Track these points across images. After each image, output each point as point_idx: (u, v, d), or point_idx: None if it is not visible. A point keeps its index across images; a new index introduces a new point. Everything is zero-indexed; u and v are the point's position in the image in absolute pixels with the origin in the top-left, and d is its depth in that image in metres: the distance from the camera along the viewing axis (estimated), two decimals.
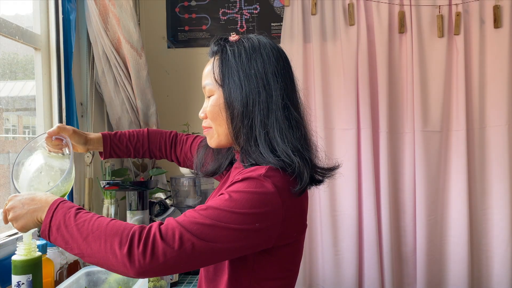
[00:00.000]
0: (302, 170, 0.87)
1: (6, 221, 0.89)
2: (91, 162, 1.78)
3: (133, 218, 1.36)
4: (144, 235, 0.77)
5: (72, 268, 1.39)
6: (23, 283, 1.01)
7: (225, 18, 2.34)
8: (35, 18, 1.63)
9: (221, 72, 0.93)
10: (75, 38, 1.69)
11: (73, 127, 1.14)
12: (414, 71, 2.14)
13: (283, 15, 2.23)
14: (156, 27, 2.37)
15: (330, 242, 2.16)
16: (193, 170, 1.18)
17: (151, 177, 2.05)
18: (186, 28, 2.36)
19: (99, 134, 1.22)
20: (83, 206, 1.75)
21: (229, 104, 0.91)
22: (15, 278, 1.01)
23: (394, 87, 2.19)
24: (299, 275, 1.01)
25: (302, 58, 2.18)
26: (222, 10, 2.34)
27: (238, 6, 2.33)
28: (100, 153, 1.23)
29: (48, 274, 1.17)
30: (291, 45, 2.18)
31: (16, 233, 1.40)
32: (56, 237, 0.81)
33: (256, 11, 2.33)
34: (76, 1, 1.71)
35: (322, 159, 0.97)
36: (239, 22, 2.34)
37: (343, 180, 2.15)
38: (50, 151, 1.07)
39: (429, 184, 2.15)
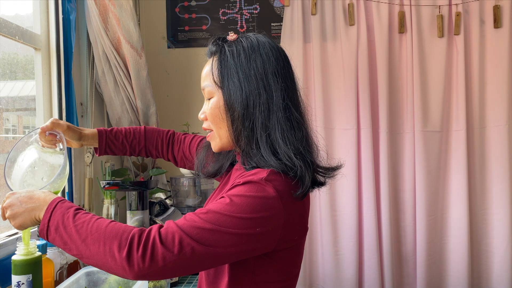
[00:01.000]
0: (304, 174, 0.85)
1: (4, 217, 0.89)
2: (91, 162, 1.78)
3: (133, 218, 1.36)
4: (143, 239, 0.76)
5: (72, 268, 1.39)
6: (23, 283, 1.01)
7: (225, 18, 2.34)
8: (35, 18, 1.63)
9: (220, 74, 0.91)
10: (75, 38, 1.69)
11: (67, 123, 1.13)
12: (414, 71, 2.14)
13: (283, 15, 2.23)
14: (156, 27, 2.37)
15: (330, 242, 2.16)
16: (191, 170, 1.17)
17: (151, 177, 2.05)
18: (186, 28, 2.36)
19: (94, 130, 1.20)
20: (83, 206, 1.75)
21: (229, 106, 0.89)
22: (15, 278, 1.01)
23: (394, 87, 2.19)
24: (299, 275, 1.01)
25: (302, 58, 2.18)
26: (222, 10, 2.34)
27: (238, 6, 2.33)
28: (96, 149, 1.22)
29: (48, 274, 1.17)
30: (291, 45, 2.18)
31: (16, 233, 1.40)
32: (54, 237, 0.81)
33: (256, 11, 2.33)
34: (76, 1, 1.71)
35: (324, 159, 0.96)
36: (239, 22, 2.34)
37: (343, 180, 2.15)
38: (43, 146, 1.06)
39: (429, 184, 2.15)
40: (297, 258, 0.95)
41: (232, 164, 1.06)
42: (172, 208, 1.81)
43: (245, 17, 2.33)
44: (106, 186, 1.49)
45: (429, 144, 2.15)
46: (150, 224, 1.37)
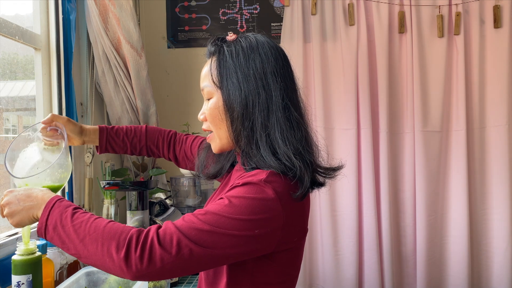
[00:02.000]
0: (303, 174, 0.85)
1: (2, 215, 0.89)
2: (91, 162, 1.78)
3: (133, 218, 1.36)
4: (141, 240, 0.76)
5: (72, 268, 1.39)
6: (23, 283, 1.01)
7: (225, 18, 2.34)
8: (35, 18, 1.63)
9: (219, 74, 0.90)
10: (75, 38, 1.69)
11: (67, 117, 1.13)
12: (414, 71, 2.14)
13: (283, 15, 2.23)
14: (156, 27, 2.37)
15: (330, 242, 2.15)
16: (192, 171, 1.17)
17: (151, 177, 2.05)
18: (186, 28, 2.36)
19: (96, 126, 1.21)
20: (83, 206, 1.75)
21: (228, 107, 0.89)
22: (15, 278, 1.01)
23: (394, 87, 2.19)
24: (299, 275, 1.01)
25: (302, 58, 2.18)
26: (222, 10, 2.34)
27: (238, 6, 2.33)
28: (97, 147, 1.22)
29: (48, 274, 1.17)
30: (291, 45, 2.18)
31: (16, 233, 1.40)
32: (52, 236, 0.81)
33: (256, 11, 2.33)
34: (76, 1, 1.71)
35: (325, 159, 0.96)
36: (239, 22, 2.34)
37: (343, 180, 2.15)
38: (45, 144, 1.05)
39: (429, 184, 2.15)
40: (297, 259, 0.94)
41: (232, 165, 1.06)
42: (172, 208, 1.81)
43: (245, 17, 2.33)
44: (106, 186, 1.49)
45: (429, 144, 2.15)
46: (150, 224, 1.37)
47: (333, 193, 2.17)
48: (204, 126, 0.98)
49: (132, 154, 1.28)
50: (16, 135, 1.03)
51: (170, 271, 0.77)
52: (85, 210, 0.84)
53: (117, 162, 2.09)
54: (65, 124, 1.09)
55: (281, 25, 2.24)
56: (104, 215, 1.78)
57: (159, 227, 0.80)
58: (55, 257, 1.27)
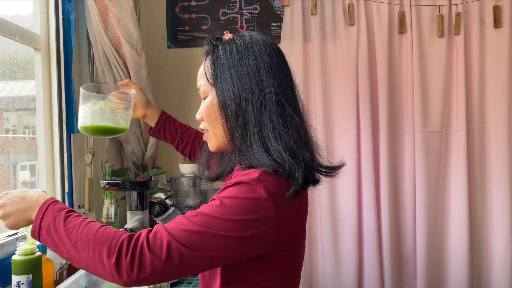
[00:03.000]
0: (294, 170, 0.83)
1: None
2: (91, 162, 1.78)
3: (133, 218, 1.36)
4: (132, 245, 0.76)
5: (72, 268, 1.39)
6: (23, 283, 1.01)
7: (225, 18, 2.34)
8: (35, 18, 1.63)
9: (213, 72, 0.91)
10: (75, 38, 1.69)
11: (139, 86, 1.34)
12: (414, 71, 2.14)
13: (283, 15, 2.23)
14: (156, 27, 2.37)
15: (330, 242, 2.15)
16: (194, 172, 1.17)
17: (151, 177, 2.05)
18: (186, 28, 2.36)
19: (158, 107, 1.37)
20: (83, 206, 1.75)
21: (222, 104, 0.89)
22: (15, 278, 1.01)
23: (394, 87, 2.19)
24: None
25: (302, 58, 2.18)
26: (222, 10, 2.34)
27: (238, 6, 2.33)
28: (150, 128, 1.34)
29: (48, 274, 1.17)
30: (291, 45, 2.18)
31: (16, 233, 1.40)
32: (46, 239, 0.80)
33: (256, 11, 2.33)
34: (76, 1, 1.71)
35: (325, 157, 0.95)
36: (239, 22, 2.34)
37: (343, 180, 2.15)
38: (113, 102, 1.15)
39: (429, 184, 2.15)
40: (295, 261, 0.92)
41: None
42: (172, 208, 1.81)
43: (245, 17, 2.33)
44: (106, 186, 1.49)
45: (429, 144, 2.15)
46: (150, 224, 1.37)
47: (333, 193, 2.17)
48: (201, 126, 0.97)
49: (177, 148, 1.38)
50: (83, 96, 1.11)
51: (161, 276, 0.76)
52: (80, 213, 0.84)
53: (117, 162, 2.09)
54: (138, 90, 1.28)
55: (281, 25, 2.24)
56: (104, 215, 1.78)
57: (150, 231, 0.79)
58: (55, 257, 1.27)
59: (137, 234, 0.78)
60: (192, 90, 2.33)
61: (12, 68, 1.60)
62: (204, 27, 2.36)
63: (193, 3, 2.36)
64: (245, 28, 2.33)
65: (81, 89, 1.10)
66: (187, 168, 1.93)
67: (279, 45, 2.13)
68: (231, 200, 0.79)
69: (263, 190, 0.80)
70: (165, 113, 1.38)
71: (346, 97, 2.15)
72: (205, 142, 1.02)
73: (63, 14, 1.67)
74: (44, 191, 0.90)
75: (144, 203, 1.52)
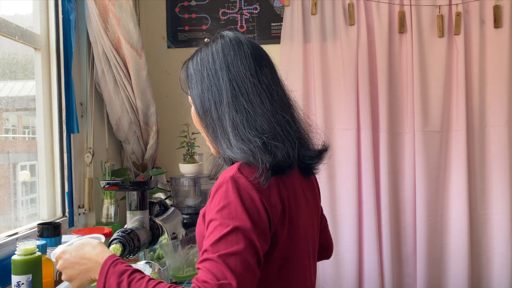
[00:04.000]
0: (254, 157, 0.84)
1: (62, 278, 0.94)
2: (91, 162, 1.78)
3: (133, 218, 1.36)
4: None
5: None
6: (23, 283, 1.01)
7: (225, 18, 2.34)
8: (35, 18, 1.62)
9: (186, 81, 0.97)
10: (75, 38, 1.69)
11: None
12: (414, 71, 2.14)
13: (283, 15, 2.23)
14: (156, 27, 2.37)
15: None
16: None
17: (151, 177, 2.05)
18: (186, 28, 2.36)
19: None
20: (83, 206, 1.75)
21: (196, 109, 0.95)
22: (15, 278, 1.01)
23: (394, 87, 2.19)
24: None
25: (302, 58, 2.18)
26: (222, 10, 2.34)
27: (238, 6, 2.33)
28: None
29: (48, 274, 1.17)
30: (291, 45, 2.18)
31: (16, 233, 1.40)
32: None
33: (256, 11, 2.33)
34: (76, 1, 1.71)
35: (310, 144, 0.96)
36: (239, 22, 2.34)
37: (343, 180, 2.15)
38: None
39: (429, 184, 2.15)
40: (289, 272, 0.90)
41: None
42: (172, 208, 1.81)
43: (245, 17, 2.33)
44: (106, 186, 1.49)
45: (429, 144, 2.15)
46: (150, 224, 1.37)
47: (333, 193, 2.17)
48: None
49: None
50: None
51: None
52: (141, 273, 0.83)
53: (117, 162, 2.09)
54: None
55: (281, 25, 2.24)
56: (104, 215, 1.78)
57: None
58: None
59: None
60: None
61: (12, 68, 1.60)
62: (204, 27, 2.36)
63: (193, 3, 2.36)
64: (245, 28, 2.33)
65: None
66: (187, 168, 1.93)
67: (279, 46, 2.11)
68: (221, 213, 0.80)
69: (230, 184, 0.82)
70: None
71: (346, 97, 2.15)
72: None
73: (63, 14, 1.67)
74: (99, 242, 0.92)
75: (144, 203, 1.52)
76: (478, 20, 2.13)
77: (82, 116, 1.80)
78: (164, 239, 1.43)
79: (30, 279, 1.01)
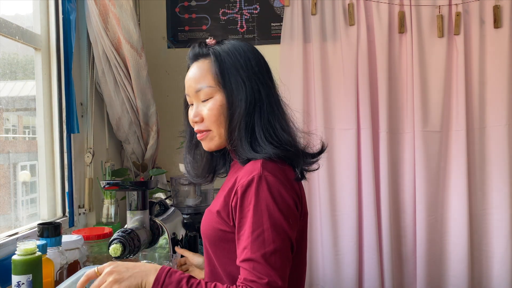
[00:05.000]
0: (296, 157, 0.94)
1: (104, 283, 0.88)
2: (91, 162, 1.78)
3: (133, 218, 1.36)
4: None
5: (72, 268, 1.39)
6: (23, 283, 1.01)
7: (225, 18, 2.34)
8: (35, 18, 1.63)
9: (221, 74, 0.96)
10: (75, 38, 1.69)
11: None
12: (414, 71, 2.14)
13: (283, 15, 2.23)
14: (156, 27, 2.37)
15: (330, 242, 2.15)
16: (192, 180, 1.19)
17: (151, 177, 2.05)
18: (186, 28, 2.36)
19: None
20: (83, 206, 1.75)
21: (230, 104, 0.95)
22: (15, 278, 1.01)
23: (394, 87, 2.19)
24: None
25: (302, 58, 2.18)
26: (222, 10, 2.34)
27: (238, 6, 2.33)
28: None
29: (48, 274, 1.17)
30: (291, 45, 2.18)
31: (16, 233, 1.40)
32: None
33: (256, 11, 2.33)
34: (76, 1, 1.71)
35: (307, 146, 1.03)
36: (239, 22, 2.34)
37: (343, 180, 2.15)
38: None
39: (429, 184, 2.15)
40: (303, 234, 0.99)
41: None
42: (172, 208, 1.81)
43: (245, 17, 2.33)
44: (106, 186, 1.49)
45: (429, 144, 2.15)
46: (150, 224, 1.38)
47: (333, 193, 2.17)
48: (200, 127, 1.01)
49: None
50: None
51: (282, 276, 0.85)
52: (199, 280, 0.87)
53: (117, 162, 2.09)
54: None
55: (281, 25, 2.24)
56: (104, 215, 1.78)
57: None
58: (55, 257, 1.27)
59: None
60: None
61: (12, 68, 1.60)
62: (204, 27, 2.36)
63: (193, 3, 2.36)
64: (245, 28, 2.33)
65: None
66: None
67: (279, 46, 2.14)
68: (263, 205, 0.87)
69: (263, 178, 0.88)
70: None
71: (346, 97, 2.15)
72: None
73: (63, 14, 1.67)
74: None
75: (144, 203, 1.52)
76: (478, 20, 2.13)
77: (82, 116, 1.80)
78: (164, 238, 1.43)
79: (30, 279, 1.01)
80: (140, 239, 1.24)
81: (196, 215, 1.82)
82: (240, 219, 0.88)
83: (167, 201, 1.94)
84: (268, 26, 2.33)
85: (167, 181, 2.16)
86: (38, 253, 1.05)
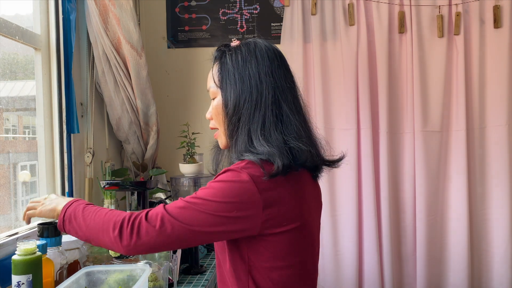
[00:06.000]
0: (274, 157, 0.91)
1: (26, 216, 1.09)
2: (91, 162, 1.78)
3: None
4: (132, 218, 0.91)
5: (72, 268, 1.39)
6: (23, 283, 1.01)
7: (225, 18, 2.34)
8: (35, 18, 1.63)
9: (220, 76, 1.01)
10: (75, 38, 1.69)
11: None
12: (414, 71, 2.14)
13: (283, 15, 2.24)
14: (156, 27, 2.37)
15: (330, 242, 2.16)
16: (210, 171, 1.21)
17: (151, 177, 2.05)
18: (186, 28, 2.36)
19: None
20: None
21: (225, 104, 0.99)
22: (15, 278, 1.01)
23: (394, 87, 2.19)
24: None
25: (302, 58, 2.18)
26: (222, 10, 2.34)
27: (238, 6, 2.33)
28: None
29: (48, 274, 1.17)
30: (291, 45, 2.18)
31: (16, 233, 1.40)
32: (69, 229, 0.99)
33: (256, 11, 2.33)
34: (76, 1, 1.71)
35: (327, 151, 1.05)
36: (239, 22, 2.34)
37: (343, 180, 2.15)
38: None
39: (429, 184, 2.15)
40: (296, 245, 0.96)
41: None
42: None
43: (245, 17, 2.33)
44: (106, 186, 1.49)
45: (429, 144, 2.15)
46: None
47: (333, 193, 2.17)
48: (211, 125, 1.07)
49: None
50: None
51: (154, 244, 0.90)
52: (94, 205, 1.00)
53: (117, 162, 2.09)
54: None
55: (281, 25, 2.24)
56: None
57: (150, 209, 0.93)
58: (55, 257, 1.27)
59: (139, 211, 0.94)
60: (192, 90, 2.33)
61: (12, 68, 1.60)
62: (204, 27, 2.36)
63: (193, 3, 2.36)
64: (245, 28, 2.33)
65: None
66: (187, 168, 1.93)
67: (279, 46, 2.15)
68: (219, 184, 0.91)
69: (246, 175, 0.89)
70: None
71: (346, 97, 2.15)
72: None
73: (63, 14, 1.67)
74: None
75: (144, 203, 1.52)
76: (478, 20, 2.13)
77: (82, 116, 1.80)
78: None
79: (30, 279, 1.01)
80: None
81: None
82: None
83: (167, 201, 1.94)
84: (268, 26, 2.33)
85: (167, 181, 2.16)
86: (38, 253, 1.05)
